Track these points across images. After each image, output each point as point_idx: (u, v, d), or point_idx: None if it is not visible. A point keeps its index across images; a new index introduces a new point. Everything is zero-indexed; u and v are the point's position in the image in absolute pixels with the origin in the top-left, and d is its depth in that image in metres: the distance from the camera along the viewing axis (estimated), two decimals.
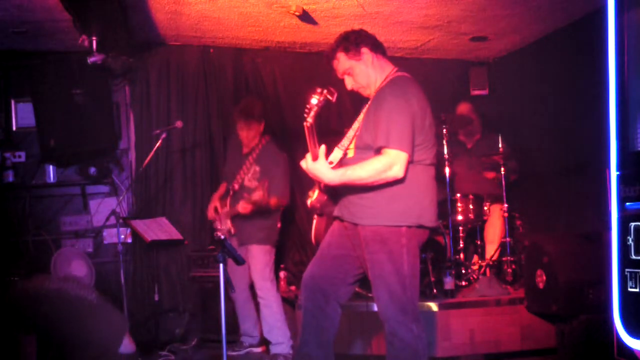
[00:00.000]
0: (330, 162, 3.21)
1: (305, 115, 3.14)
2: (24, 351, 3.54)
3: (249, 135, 5.05)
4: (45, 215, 5.90)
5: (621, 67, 2.89)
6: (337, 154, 3.29)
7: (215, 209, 5.13)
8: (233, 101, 6.13)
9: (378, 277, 3.17)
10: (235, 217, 4.96)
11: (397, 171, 3.06)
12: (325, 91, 3.14)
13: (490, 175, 5.72)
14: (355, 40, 3.27)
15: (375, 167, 3.08)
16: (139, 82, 6.06)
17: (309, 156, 3.18)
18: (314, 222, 3.51)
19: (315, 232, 3.49)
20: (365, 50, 3.27)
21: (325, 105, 3.14)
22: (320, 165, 3.14)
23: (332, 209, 3.34)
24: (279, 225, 5.14)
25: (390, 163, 3.05)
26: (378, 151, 3.10)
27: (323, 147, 3.15)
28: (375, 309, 3.32)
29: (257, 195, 4.69)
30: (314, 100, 3.12)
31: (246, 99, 5.51)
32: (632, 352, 2.81)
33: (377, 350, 4.63)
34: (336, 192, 3.29)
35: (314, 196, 3.36)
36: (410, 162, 3.11)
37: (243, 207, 4.80)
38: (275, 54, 6.31)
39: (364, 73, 3.29)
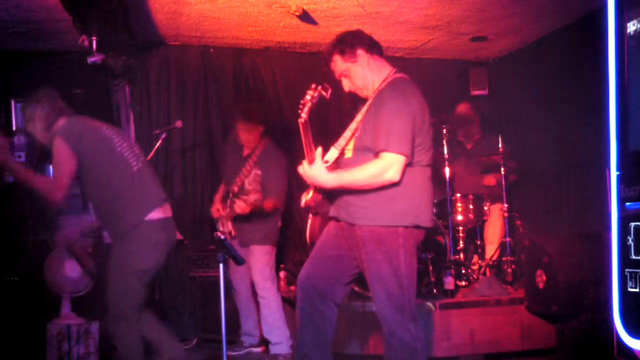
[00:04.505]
0: (326, 162, 3.23)
1: (300, 111, 3.17)
2: None
3: (249, 138, 5.06)
4: (45, 215, 5.90)
5: (621, 67, 2.89)
6: (333, 153, 3.30)
7: (218, 211, 5.13)
8: (233, 101, 6.13)
9: (375, 277, 3.17)
10: (235, 219, 4.96)
11: (393, 174, 3.07)
12: (319, 87, 3.17)
13: (491, 182, 5.69)
14: (350, 42, 3.27)
15: (370, 171, 3.09)
16: (139, 82, 6.05)
17: (305, 162, 3.20)
18: (309, 221, 3.51)
19: (310, 231, 3.49)
20: (360, 52, 3.27)
21: (319, 102, 3.16)
22: (317, 169, 3.16)
23: (327, 209, 3.34)
24: (279, 224, 5.15)
25: (386, 167, 3.06)
26: (377, 155, 3.11)
27: (319, 150, 3.17)
28: (373, 308, 3.32)
29: (253, 198, 4.71)
30: (308, 96, 3.16)
31: (249, 103, 5.53)
32: (632, 352, 2.81)
33: (374, 350, 4.62)
34: (331, 192, 3.30)
35: (308, 195, 3.36)
36: (408, 164, 3.12)
37: (241, 207, 4.79)
38: (275, 54, 6.31)
39: (361, 75, 3.29)
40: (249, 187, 4.98)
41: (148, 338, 3.81)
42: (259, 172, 4.98)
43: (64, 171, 3.61)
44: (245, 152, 5.11)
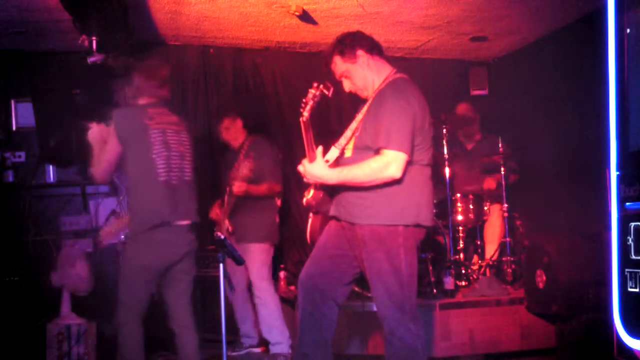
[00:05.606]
0: (327, 161, 3.24)
1: (302, 110, 3.19)
2: None
3: (229, 135, 5.14)
4: (45, 215, 5.90)
5: (621, 67, 2.89)
6: (333, 152, 3.31)
7: (217, 214, 5.13)
8: (233, 101, 6.13)
9: (376, 276, 3.18)
10: (233, 212, 4.95)
11: (394, 171, 3.07)
12: (321, 86, 3.20)
13: (491, 185, 5.68)
14: (350, 43, 3.28)
15: (371, 166, 3.09)
16: None
17: (305, 161, 3.22)
18: (310, 220, 3.51)
19: (310, 230, 3.49)
20: (360, 52, 3.28)
21: (321, 100, 3.18)
22: (318, 165, 3.18)
23: (327, 208, 3.34)
24: (277, 221, 5.13)
25: (387, 163, 3.07)
26: (377, 152, 3.11)
27: (320, 149, 3.19)
28: (373, 308, 3.33)
29: (245, 168, 4.66)
30: (310, 95, 3.19)
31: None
32: (632, 352, 2.81)
33: (374, 350, 4.63)
34: (332, 190, 3.30)
35: (309, 194, 3.37)
36: (408, 162, 3.12)
37: (237, 186, 4.75)
38: (275, 54, 6.31)
39: (361, 75, 3.30)
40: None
41: (176, 336, 3.92)
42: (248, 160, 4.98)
43: (104, 158, 3.80)
44: (235, 148, 5.17)
